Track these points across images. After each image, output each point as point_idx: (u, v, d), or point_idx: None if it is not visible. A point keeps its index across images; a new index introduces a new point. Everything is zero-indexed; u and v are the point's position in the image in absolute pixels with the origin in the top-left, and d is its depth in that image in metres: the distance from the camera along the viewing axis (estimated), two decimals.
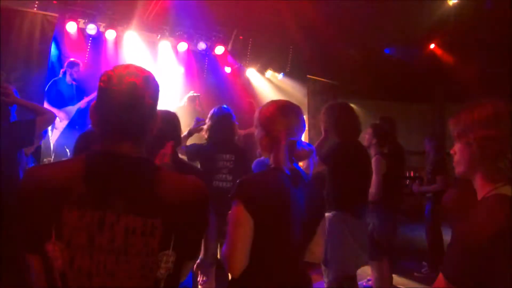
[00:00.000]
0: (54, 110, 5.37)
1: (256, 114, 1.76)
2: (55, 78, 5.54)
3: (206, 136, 3.45)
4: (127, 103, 1.11)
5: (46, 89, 5.29)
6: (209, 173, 3.25)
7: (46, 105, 5.40)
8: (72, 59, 5.68)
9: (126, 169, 1.11)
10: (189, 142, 3.65)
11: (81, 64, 5.60)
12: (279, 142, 1.65)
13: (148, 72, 1.20)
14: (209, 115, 3.46)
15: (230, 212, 1.58)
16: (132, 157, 1.13)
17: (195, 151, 3.40)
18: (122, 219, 1.05)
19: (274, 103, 1.75)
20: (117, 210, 1.05)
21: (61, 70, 5.59)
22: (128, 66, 1.18)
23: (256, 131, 1.77)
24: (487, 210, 1.27)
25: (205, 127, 3.47)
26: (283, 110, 1.70)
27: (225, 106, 3.50)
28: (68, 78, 5.55)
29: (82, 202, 1.04)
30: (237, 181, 1.62)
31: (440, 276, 1.28)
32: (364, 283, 4.43)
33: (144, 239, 1.06)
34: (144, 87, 1.14)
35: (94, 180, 1.08)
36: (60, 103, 5.40)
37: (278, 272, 1.61)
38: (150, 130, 1.19)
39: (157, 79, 1.21)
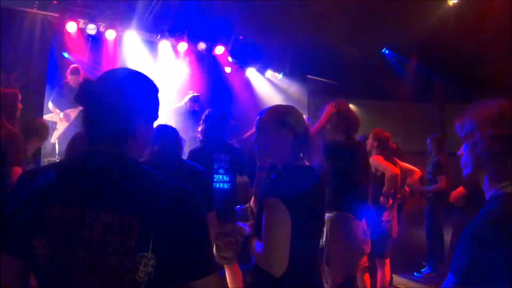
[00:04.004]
0: (56, 112, 5.41)
1: (282, 117, 1.76)
2: (61, 82, 5.53)
3: (200, 137, 3.44)
4: (105, 106, 1.14)
5: (55, 91, 5.31)
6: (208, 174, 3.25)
7: (50, 106, 5.43)
8: (74, 65, 5.67)
9: (106, 167, 1.13)
10: (190, 144, 3.66)
11: (81, 73, 5.59)
12: (309, 139, 1.72)
13: (136, 75, 1.22)
14: (203, 116, 3.45)
15: (265, 210, 1.57)
16: (114, 156, 1.15)
17: (192, 153, 3.40)
18: (101, 216, 1.06)
19: (289, 106, 1.84)
20: (96, 207, 1.07)
21: (66, 75, 5.57)
22: (113, 72, 1.22)
23: (271, 135, 1.75)
24: (495, 209, 1.28)
25: (199, 128, 3.47)
26: (297, 110, 1.81)
27: (218, 108, 3.52)
28: (72, 82, 5.55)
29: (63, 199, 1.08)
30: (270, 177, 1.67)
31: (449, 275, 1.29)
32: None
33: (121, 237, 1.06)
34: (125, 93, 1.16)
35: (76, 178, 1.12)
36: (63, 105, 5.42)
37: (310, 270, 1.64)
38: (137, 130, 1.19)
39: (153, 81, 1.23)
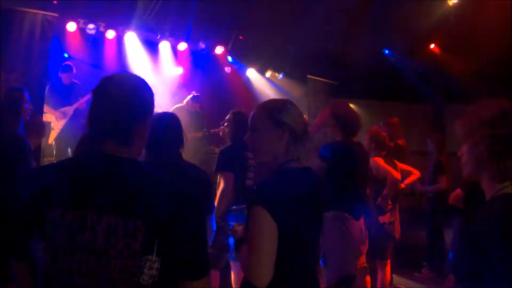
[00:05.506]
0: (51, 111, 5.40)
1: (275, 114, 1.60)
2: (53, 81, 5.53)
3: (228, 137, 3.60)
4: (111, 108, 1.15)
5: (46, 91, 5.30)
6: (242, 172, 3.41)
7: (44, 106, 5.42)
8: (66, 62, 5.67)
9: (110, 169, 1.12)
10: (191, 144, 3.72)
11: (73, 70, 5.58)
12: (306, 138, 1.60)
13: (139, 81, 1.23)
14: (229, 118, 3.61)
15: (250, 219, 1.45)
16: (117, 158, 1.14)
17: (223, 153, 3.52)
18: (104, 219, 1.05)
19: (284, 101, 1.69)
20: (99, 210, 1.06)
21: (59, 72, 5.60)
22: (120, 76, 1.23)
23: (263, 133, 1.62)
24: (495, 210, 1.28)
25: (226, 130, 3.63)
26: (293, 105, 1.66)
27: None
28: (65, 80, 5.55)
29: (65, 201, 1.06)
30: (258, 184, 1.58)
31: (450, 277, 1.29)
32: None
33: (125, 240, 1.05)
34: (131, 95, 1.17)
35: (78, 180, 1.10)
36: (57, 104, 5.41)
37: (301, 281, 1.54)
38: (140, 132, 1.20)
39: (150, 85, 1.24)
